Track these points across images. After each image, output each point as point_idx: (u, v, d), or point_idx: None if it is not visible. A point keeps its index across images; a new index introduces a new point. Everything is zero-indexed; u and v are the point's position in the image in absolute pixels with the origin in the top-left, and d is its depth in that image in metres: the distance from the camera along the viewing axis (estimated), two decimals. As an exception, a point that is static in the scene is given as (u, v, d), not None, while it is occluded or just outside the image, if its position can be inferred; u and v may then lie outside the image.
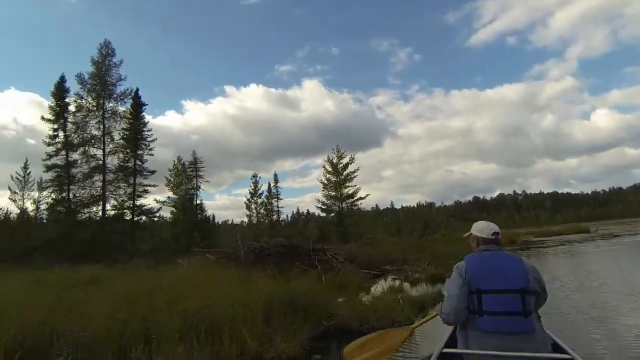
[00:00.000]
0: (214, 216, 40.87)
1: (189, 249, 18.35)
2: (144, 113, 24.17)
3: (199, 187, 30.62)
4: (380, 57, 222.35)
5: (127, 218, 22.42)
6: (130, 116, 23.42)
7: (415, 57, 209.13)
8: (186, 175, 30.65)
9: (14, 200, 23.93)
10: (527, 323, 1.94)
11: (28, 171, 24.66)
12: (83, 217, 21.22)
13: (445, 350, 2.17)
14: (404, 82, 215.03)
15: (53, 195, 20.95)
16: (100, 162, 22.28)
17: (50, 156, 21.00)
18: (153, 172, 23.52)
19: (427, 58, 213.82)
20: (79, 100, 22.48)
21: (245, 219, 43.54)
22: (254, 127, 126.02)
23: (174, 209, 29.66)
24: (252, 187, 43.57)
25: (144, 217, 23.37)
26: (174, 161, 30.45)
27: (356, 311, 5.22)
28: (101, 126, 22.80)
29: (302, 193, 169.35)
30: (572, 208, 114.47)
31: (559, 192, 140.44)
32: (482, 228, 2.26)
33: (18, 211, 23.73)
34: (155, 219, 26.91)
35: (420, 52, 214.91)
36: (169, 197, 29.71)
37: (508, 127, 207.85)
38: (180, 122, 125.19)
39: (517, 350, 1.86)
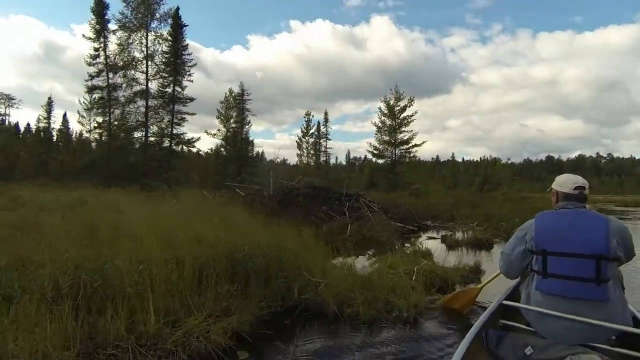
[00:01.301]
0: (262, 152, 40.89)
1: (222, 183, 17.81)
2: (185, 35, 22.97)
3: (248, 121, 29.95)
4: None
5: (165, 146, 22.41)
6: (170, 38, 22.34)
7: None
8: (238, 109, 29.96)
9: (82, 124, 24.70)
10: (599, 290, 1.80)
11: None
12: (124, 141, 21.48)
13: (505, 302, 2.27)
14: (484, 20, 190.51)
15: (97, 118, 21.30)
16: (143, 86, 21.94)
17: (92, 77, 21.02)
18: (192, 99, 22.87)
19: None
20: (123, 19, 21.68)
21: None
22: (318, 66, 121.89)
23: (222, 142, 29.73)
24: (305, 126, 42.47)
25: (182, 146, 23.25)
26: (226, 93, 29.72)
27: (340, 287, 3.64)
28: (144, 48, 22.12)
29: (362, 137, 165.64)
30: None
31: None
32: (563, 181, 2.08)
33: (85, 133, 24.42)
34: (200, 151, 26.97)
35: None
36: (219, 130, 29.60)
37: (604, 79, 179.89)
38: (246, 57, 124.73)
39: (583, 316, 1.78)
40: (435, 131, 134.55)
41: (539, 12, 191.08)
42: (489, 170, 65.59)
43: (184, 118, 22.83)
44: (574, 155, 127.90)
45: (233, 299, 3.12)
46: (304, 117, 43.50)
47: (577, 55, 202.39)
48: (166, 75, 22.36)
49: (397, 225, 12.19)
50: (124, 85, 21.50)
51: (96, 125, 21.14)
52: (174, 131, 22.45)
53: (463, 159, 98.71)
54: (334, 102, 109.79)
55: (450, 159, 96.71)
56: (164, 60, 22.35)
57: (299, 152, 42.62)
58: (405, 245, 8.85)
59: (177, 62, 22.40)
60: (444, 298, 3.73)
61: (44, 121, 29.19)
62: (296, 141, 42.48)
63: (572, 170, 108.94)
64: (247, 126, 30.77)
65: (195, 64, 22.92)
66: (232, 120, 30.11)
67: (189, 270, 3.15)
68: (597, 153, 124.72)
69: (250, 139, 32.09)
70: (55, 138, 31.48)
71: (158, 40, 22.33)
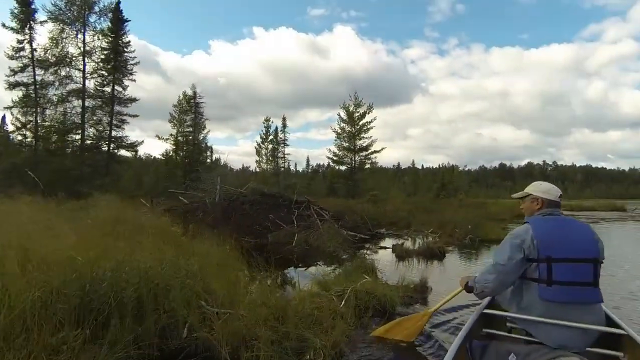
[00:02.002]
0: (218, 159, 39.24)
1: (165, 190, 16.35)
2: (127, 31, 21.23)
3: (203, 126, 28.55)
4: (419, 4, 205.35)
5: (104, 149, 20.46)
6: (109, 32, 20.54)
7: (457, 7, 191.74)
8: (192, 112, 28.39)
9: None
10: (595, 293, 1.90)
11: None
12: (56, 144, 19.34)
13: (487, 311, 2.26)
14: (442, 34, 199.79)
15: (20, 118, 18.99)
16: (78, 84, 19.93)
17: (14, 72, 18.77)
18: (134, 100, 21.06)
19: (470, 8, 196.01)
20: (56, 10, 19.66)
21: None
22: (282, 73, 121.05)
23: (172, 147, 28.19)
24: (264, 132, 41.33)
25: (124, 151, 21.41)
26: (179, 96, 27.98)
27: (244, 320, 2.78)
28: (80, 44, 20.14)
29: (326, 144, 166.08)
30: (603, 184, 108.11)
31: (593, 165, 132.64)
32: (548, 189, 2.17)
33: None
34: (151, 156, 25.07)
35: (464, 1, 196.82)
36: (171, 135, 27.98)
37: (549, 93, 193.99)
38: (207, 63, 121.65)
39: (583, 320, 1.85)
40: (397, 139, 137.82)
41: (490, 29, 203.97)
42: (447, 177, 67.45)
43: (125, 120, 21.01)
44: (523, 162, 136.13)
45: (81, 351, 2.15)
46: (263, 123, 42.41)
47: (525, 70, 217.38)
48: (105, 73, 20.47)
49: (349, 234, 11.53)
50: (57, 83, 19.39)
51: (19, 125, 18.83)
52: (115, 134, 20.60)
53: (422, 166, 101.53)
54: (298, 110, 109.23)
55: (411, 166, 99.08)
56: (102, 56, 20.47)
57: (257, 158, 41.46)
58: (355, 255, 8.15)
59: (117, 60, 20.61)
60: (378, 330, 3.11)
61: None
62: (255, 147, 41.27)
63: (523, 176, 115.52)
64: (203, 131, 29.31)
65: (139, 62, 21.22)
66: (185, 125, 28.56)
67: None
68: (544, 161, 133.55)
69: (209, 144, 30.55)
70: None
71: (98, 36, 20.47)
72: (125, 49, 20.95)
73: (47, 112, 19.44)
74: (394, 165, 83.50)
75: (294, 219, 11.76)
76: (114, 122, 20.46)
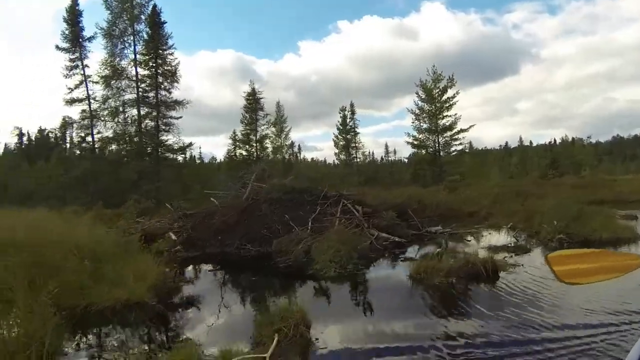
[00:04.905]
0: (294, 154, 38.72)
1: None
2: (165, 31, 21.19)
3: (265, 121, 28.47)
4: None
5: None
6: (149, 38, 20.64)
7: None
8: (250, 109, 28.20)
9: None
10: None
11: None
12: (116, 156, 20.18)
13: None
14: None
15: (80, 132, 20.23)
16: (130, 95, 20.53)
17: (71, 90, 20.04)
18: (178, 102, 20.81)
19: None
20: (110, 27, 20.51)
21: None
22: (370, 62, 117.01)
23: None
24: (340, 122, 39.14)
25: (173, 155, 21.43)
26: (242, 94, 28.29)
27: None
28: (132, 54, 20.71)
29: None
30: None
31: None
32: None
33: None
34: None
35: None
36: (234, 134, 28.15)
37: None
38: (298, 63, 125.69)
39: None
40: (504, 116, 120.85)
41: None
42: (565, 153, 56.31)
43: (168, 123, 21.00)
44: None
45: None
46: (339, 112, 40.24)
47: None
48: (147, 78, 20.69)
49: (381, 236, 8.60)
50: (114, 95, 20.23)
51: (79, 139, 20.14)
52: (162, 138, 20.72)
53: (535, 143, 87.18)
54: (391, 98, 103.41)
55: (519, 144, 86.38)
56: (144, 59, 20.65)
57: (336, 150, 39.56)
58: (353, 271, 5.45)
59: (157, 63, 20.67)
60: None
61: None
62: (333, 139, 39.35)
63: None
64: (263, 127, 28.77)
65: (178, 62, 21.36)
66: (249, 122, 28.46)
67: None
68: None
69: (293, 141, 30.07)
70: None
71: (143, 45, 20.79)
72: (165, 51, 20.87)
73: (108, 124, 20.39)
74: (500, 146, 73.36)
75: (309, 221, 9.34)
76: (162, 126, 20.55)
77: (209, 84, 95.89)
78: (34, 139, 40.91)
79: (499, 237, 9.10)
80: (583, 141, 61.96)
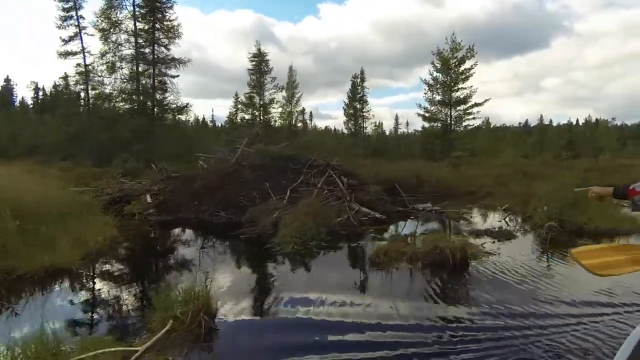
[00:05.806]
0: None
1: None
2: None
3: (272, 86, 27.69)
4: None
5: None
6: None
7: None
8: (257, 72, 27.31)
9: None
10: None
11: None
12: (110, 113, 19.71)
13: None
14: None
15: (74, 88, 19.74)
16: (127, 50, 19.75)
17: (65, 41, 19.34)
18: (178, 60, 19.81)
19: None
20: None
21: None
22: (393, 30, 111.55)
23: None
24: (350, 90, 37.73)
25: (173, 115, 20.87)
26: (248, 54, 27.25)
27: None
28: (130, 6, 19.70)
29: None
30: None
31: None
32: None
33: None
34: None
35: None
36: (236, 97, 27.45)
37: None
38: (318, 28, 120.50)
39: None
40: (527, 92, 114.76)
41: None
42: (586, 134, 53.91)
43: (164, 81, 20.19)
44: None
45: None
46: (351, 80, 38.68)
47: None
48: (144, 33, 19.78)
49: (362, 211, 8.08)
50: (111, 50, 19.48)
51: (74, 95, 19.65)
52: (158, 97, 20.09)
53: (558, 122, 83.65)
54: (412, 68, 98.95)
55: (539, 122, 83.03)
56: (142, 12, 19.64)
57: (345, 119, 38.40)
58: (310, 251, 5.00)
59: (155, 17, 19.67)
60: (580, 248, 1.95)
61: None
62: (343, 107, 38.06)
63: None
64: (270, 91, 28.11)
65: (178, 22, 20.24)
66: (265, 87, 27.79)
67: None
68: None
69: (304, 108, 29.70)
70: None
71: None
72: (164, 3, 19.75)
73: (99, 79, 19.82)
74: (520, 123, 70.63)
75: (288, 190, 8.85)
76: (157, 84, 19.85)
77: (227, 46, 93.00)
78: (48, 93, 40.98)
79: (489, 220, 8.52)
80: (607, 122, 59.08)
